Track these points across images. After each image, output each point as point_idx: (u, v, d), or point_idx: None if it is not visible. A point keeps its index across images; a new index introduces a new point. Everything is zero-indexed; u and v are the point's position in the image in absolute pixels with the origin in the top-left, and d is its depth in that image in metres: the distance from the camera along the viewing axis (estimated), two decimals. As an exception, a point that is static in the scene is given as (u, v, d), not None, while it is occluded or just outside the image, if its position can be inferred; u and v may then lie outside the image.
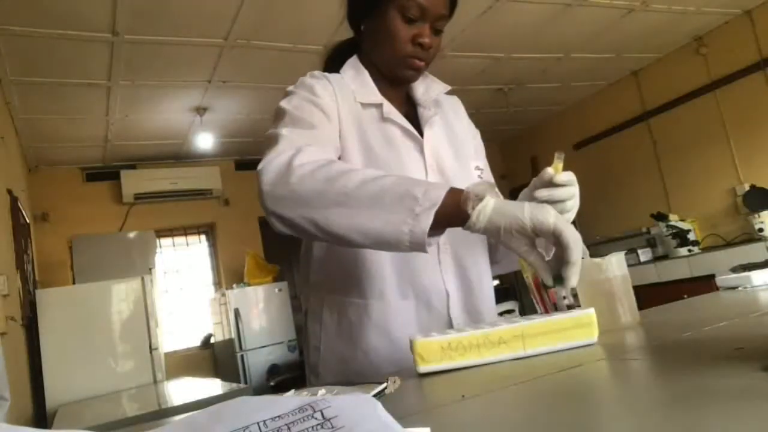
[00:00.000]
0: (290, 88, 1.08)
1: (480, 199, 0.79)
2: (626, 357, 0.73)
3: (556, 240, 0.77)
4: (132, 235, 5.14)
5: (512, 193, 7.31)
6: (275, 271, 5.50)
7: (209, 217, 5.78)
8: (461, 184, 1.06)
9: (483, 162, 1.22)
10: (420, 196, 0.80)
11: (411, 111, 1.16)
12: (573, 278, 0.78)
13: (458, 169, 1.12)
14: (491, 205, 0.78)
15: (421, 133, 1.11)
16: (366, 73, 1.12)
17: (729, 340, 0.69)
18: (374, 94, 1.10)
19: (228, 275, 5.68)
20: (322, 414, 0.39)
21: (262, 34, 3.45)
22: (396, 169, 1.04)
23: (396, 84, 1.14)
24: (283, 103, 1.04)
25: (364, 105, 1.09)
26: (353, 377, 1.01)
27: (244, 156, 5.88)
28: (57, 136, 4.54)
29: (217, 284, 5.87)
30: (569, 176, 0.90)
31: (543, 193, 0.88)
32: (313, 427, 0.38)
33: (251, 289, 5.27)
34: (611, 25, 4.11)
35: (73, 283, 4.77)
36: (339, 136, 1.04)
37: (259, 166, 0.92)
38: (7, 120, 3.75)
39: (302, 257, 1.16)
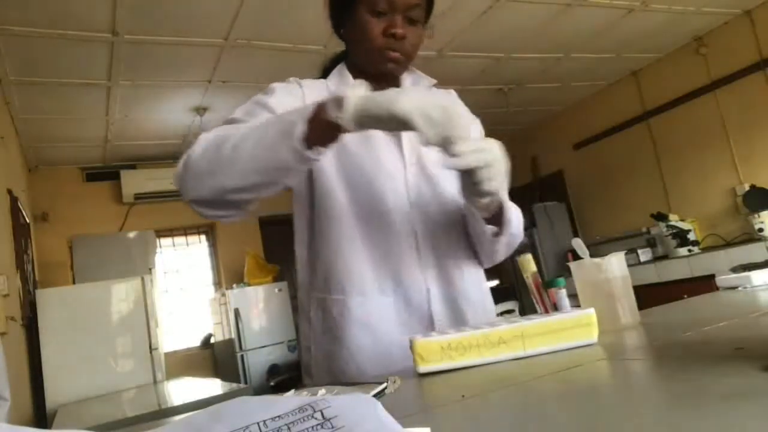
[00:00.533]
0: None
1: (342, 98, 0.80)
2: (626, 357, 0.73)
3: (406, 126, 0.78)
4: (132, 235, 5.15)
5: (512, 193, 7.33)
6: (275, 271, 5.50)
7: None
8: (446, 182, 1.05)
9: None
10: (294, 118, 0.84)
11: None
12: (450, 145, 0.80)
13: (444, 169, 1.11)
14: (356, 97, 0.80)
15: None
16: (349, 77, 1.13)
17: (729, 340, 0.69)
18: None
19: (228, 275, 5.68)
20: (322, 414, 0.39)
21: (262, 34, 3.45)
22: (370, 164, 1.05)
23: (382, 82, 1.11)
24: (236, 111, 1.07)
25: None
26: (339, 375, 1.01)
27: (244, 156, 5.87)
28: (57, 136, 4.54)
29: (217, 284, 5.87)
30: (474, 145, 0.84)
31: (447, 163, 0.84)
32: (313, 427, 0.38)
33: (251, 289, 5.27)
34: (611, 25, 4.11)
35: (73, 283, 4.77)
36: None
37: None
38: (7, 120, 3.75)
39: (298, 259, 1.17)
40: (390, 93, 0.80)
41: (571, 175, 6.05)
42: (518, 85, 5.07)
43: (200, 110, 4.48)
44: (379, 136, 1.08)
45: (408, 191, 1.07)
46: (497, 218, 1.04)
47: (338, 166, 1.06)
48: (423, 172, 1.09)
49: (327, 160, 1.05)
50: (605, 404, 0.52)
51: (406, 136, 1.10)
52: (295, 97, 1.07)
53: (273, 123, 0.89)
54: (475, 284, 1.13)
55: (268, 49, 3.62)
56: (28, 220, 4.23)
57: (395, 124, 0.79)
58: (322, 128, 0.83)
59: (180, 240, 5.88)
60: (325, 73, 1.19)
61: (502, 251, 1.11)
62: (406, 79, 1.17)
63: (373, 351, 1.01)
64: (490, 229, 1.05)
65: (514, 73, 4.79)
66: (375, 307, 1.03)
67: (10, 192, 3.41)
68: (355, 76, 1.12)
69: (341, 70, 1.15)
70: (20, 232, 3.57)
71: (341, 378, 1.00)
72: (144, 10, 3.01)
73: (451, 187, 1.07)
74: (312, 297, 1.09)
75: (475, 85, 4.87)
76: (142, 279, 4.15)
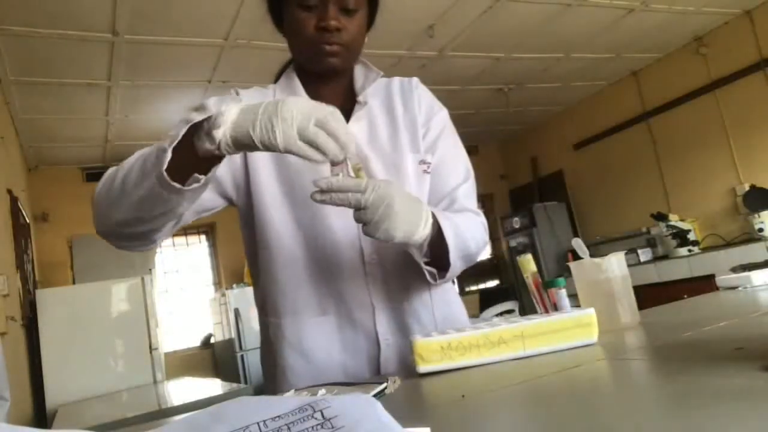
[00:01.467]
0: None
1: (215, 117, 0.73)
2: (626, 357, 0.73)
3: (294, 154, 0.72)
4: (132, 235, 5.13)
5: (512, 193, 7.34)
6: (275, 271, 5.49)
7: (209, 217, 5.77)
8: (396, 186, 0.89)
9: (438, 154, 1.07)
10: (166, 143, 0.75)
11: (352, 107, 1.05)
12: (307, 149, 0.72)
13: (390, 168, 1.02)
14: (221, 118, 0.72)
15: None
16: (296, 79, 1.05)
17: (729, 340, 0.69)
18: (293, 95, 1.03)
19: (228, 275, 5.68)
20: (322, 414, 0.39)
21: (262, 34, 3.45)
22: (308, 171, 0.95)
23: (326, 79, 1.04)
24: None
25: None
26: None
27: (244, 156, 5.87)
28: (57, 136, 4.54)
29: (217, 284, 5.87)
30: (353, 182, 0.80)
31: (321, 183, 0.80)
32: (313, 427, 0.38)
33: (251, 289, 5.23)
34: (611, 25, 4.11)
35: (73, 283, 4.78)
36: None
37: None
38: (7, 120, 3.75)
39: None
40: (264, 116, 0.71)
41: (571, 175, 6.05)
42: (518, 85, 5.07)
43: (200, 110, 4.48)
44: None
45: None
46: (436, 253, 0.93)
47: (277, 180, 1.00)
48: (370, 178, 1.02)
49: (264, 174, 0.99)
50: (605, 404, 0.52)
51: (358, 132, 1.03)
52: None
53: (150, 151, 0.80)
54: (428, 302, 1.04)
55: (268, 49, 3.61)
56: (28, 220, 4.23)
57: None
58: (192, 154, 0.75)
59: (180, 240, 5.88)
60: (277, 78, 1.12)
61: (455, 273, 0.98)
62: (359, 71, 1.09)
63: (306, 372, 0.98)
64: (429, 271, 0.95)
65: (514, 73, 4.79)
66: (309, 328, 0.99)
67: (10, 192, 3.41)
68: (302, 79, 1.05)
69: (289, 73, 1.08)
70: (20, 232, 3.57)
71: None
72: (144, 10, 3.01)
73: None
74: (259, 319, 1.08)
75: (475, 85, 4.87)
76: (142, 279, 4.15)
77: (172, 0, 2.96)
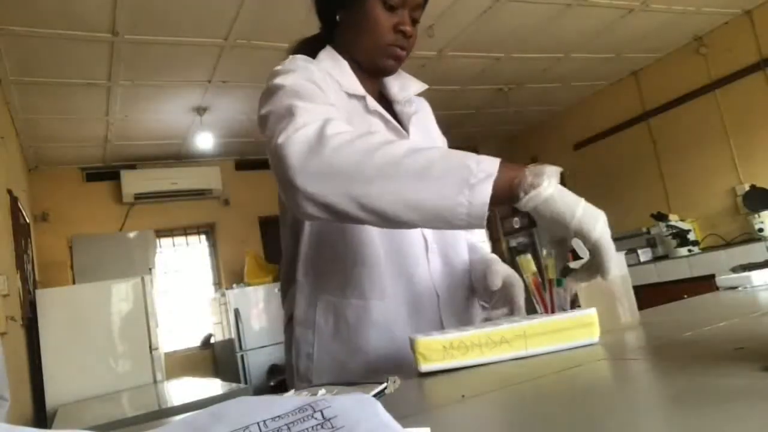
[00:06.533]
0: (279, 67, 0.99)
1: (534, 186, 0.75)
2: (626, 357, 0.73)
3: (594, 251, 0.76)
4: (132, 235, 5.14)
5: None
6: (275, 271, 5.49)
7: (209, 217, 5.78)
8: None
9: None
10: (474, 166, 0.74)
11: (387, 108, 1.11)
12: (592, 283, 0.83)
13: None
14: (543, 197, 0.75)
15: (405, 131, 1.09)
16: (345, 64, 1.07)
17: (729, 340, 0.69)
18: (357, 86, 1.06)
19: (228, 275, 5.68)
20: (322, 414, 0.39)
21: (262, 34, 3.45)
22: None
23: (373, 77, 1.10)
24: (279, 80, 0.94)
25: (350, 95, 1.05)
26: (352, 380, 0.99)
27: (244, 156, 5.87)
28: (57, 136, 4.54)
29: (217, 284, 5.86)
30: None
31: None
32: (313, 427, 0.38)
33: (251, 289, 5.27)
34: (611, 25, 4.11)
35: (73, 283, 4.77)
36: None
37: (279, 140, 0.81)
38: (7, 120, 3.75)
39: (286, 257, 1.10)
40: (576, 206, 0.76)
41: (571, 175, 6.05)
42: (518, 85, 5.07)
43: (200, 110, 4.48)
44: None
45: None
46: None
47: None
48: None
49: None
50: (605, 404, 0.52)
51: (414, 137, 1.09)
52: (321, 80, 0.98)
53: (442, 161, 0.76)
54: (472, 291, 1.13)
55: (268, 49, 3.61)
56: (28, 220, 4.23)
57: (568, 233, 0.76)
58: (499, 198, 0.75)
59: (180, 240, 5.88)
60: (295, 52, 1.09)
61: None
62: (394, 83, 1.15)
63: (391, 354, 0.99)
64: (481, 302, 1.10)
65: (514, 73, 4.79)
66: (392, 311, 1.01)
67: (10, 192, 3.41)
68: (351, 66, 1.07)
69: (332, 55, 1.07)
70: (20, 232, 3.57)
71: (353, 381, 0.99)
72: (144, 10, 3.01)
73: None
74: (319, 300, 1.03)
75: (475, 85, 4.87)
76: (142, 279, 4.15)
77: (172, 0, 2.96)
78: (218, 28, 3.33)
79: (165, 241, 5.77)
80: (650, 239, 4.86)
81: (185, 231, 5.87)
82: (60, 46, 3.20)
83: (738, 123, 4.49)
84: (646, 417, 0.44)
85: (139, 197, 5.29)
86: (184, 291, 5.81)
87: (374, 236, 1.01)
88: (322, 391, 0.65)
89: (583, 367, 0.67)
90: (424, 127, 1.17)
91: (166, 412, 2.47)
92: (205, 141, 4.88)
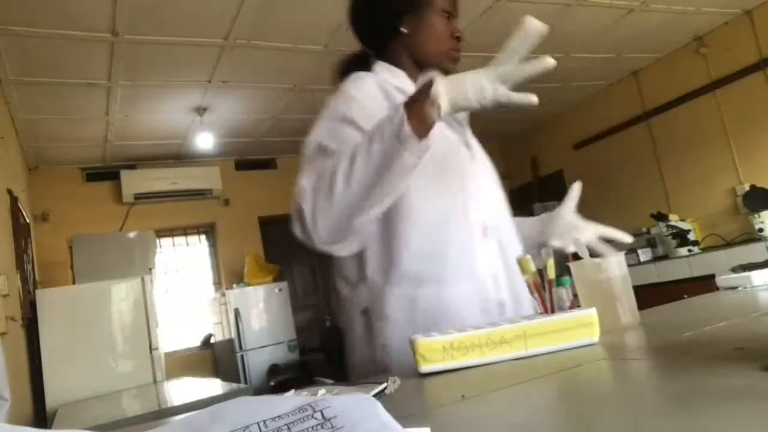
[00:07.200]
0: (332, 98, 1.12)
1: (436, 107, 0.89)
2: (626, 357, 0.73)
3: (501, 104, 0.95)
4: (132, 235, 5.14)
5: (512, 193, 7.32)
6: (275, 271, 5.49)
7: (209, 217, 5.78)
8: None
9: None
10: (390, 113, 0.91)
11: None
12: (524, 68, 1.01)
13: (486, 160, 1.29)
14: (444, 111, 0.89)
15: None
16: (401, 73, 1.18)
17: (729, 340, 0.69)
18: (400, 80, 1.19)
19: (228, 275, 5.68)
20: (322, 414, 0.39)
21: (262, 34, 3.45)
22: (445, 149, 1.11)
23: (419, 72, 1.21)
24: (313, 133, 1.07)
25: None
26: None
27: (244, 156, 5.87)
28: (57, 136, 4.54)
29: (217, 284, 5.87)
30: None
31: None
32: (313, 427, 0.38)
33: (251, 289, 5.27)
34: (611, 25, 4.11)
35: (73, 283, 4.77)
36: None
37: (296, 189, 0.97)
38: (7, 120, 3.75)
39: (352, 255, 1.13)
40: (465, 85, 0.92)
41: (571, 175, 6.05)
42: (518, 85, 5.06)
43: (200, 110, 4.48)
44: (451, 139, 1.18)
45: (473, 180, 1.16)
46: None
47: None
48: (485, 164, 1.24)
49: None
50: (605, 404, 0.52)
51: (474, 140, 1.29)
52: (372, 99, 1.10)
53: (375, 129, 0.92)
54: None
55: (268, 49, 3.62)
56: (28, 220, 4.23)
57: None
58: (420, 117, 0.89)
59: (180, 240, 5.88)
60: (341, 76, 1.19)
61: None
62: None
63: None
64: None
65: (514, 73, 4.79)
66: (462, 296, 1.06)
67: (10, 192, 3.41)
68: (410, 75, 1.19)
69: (389, 68, 1.19)
70: (20, 232, 3.57)
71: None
72: (144, 10, 3.01)
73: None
74: (392, 292, 1.07)
75: (475, 85, 4.87)
76: (142, 279, 4.15)
77: (172, 0, 2.96)
78: (218, 28, 3.33)
79: (165, 241, 5.77)
80: (650, 239, 4.86)
81: (185, 231, 5.88)
82: (60, 46, 3.20)
83: (738, 123, 4.49)
84: (646, 417, 0.44)
85: (139, 197, 5.29)
86: (184, 291, 5.81)
87: (439, 228, 1.08)
88: (322, 391, 0.65)
89: (583, 367, 0.67)
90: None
91: (166, 412, 2.47)
92: (205, 141, 4.88)
